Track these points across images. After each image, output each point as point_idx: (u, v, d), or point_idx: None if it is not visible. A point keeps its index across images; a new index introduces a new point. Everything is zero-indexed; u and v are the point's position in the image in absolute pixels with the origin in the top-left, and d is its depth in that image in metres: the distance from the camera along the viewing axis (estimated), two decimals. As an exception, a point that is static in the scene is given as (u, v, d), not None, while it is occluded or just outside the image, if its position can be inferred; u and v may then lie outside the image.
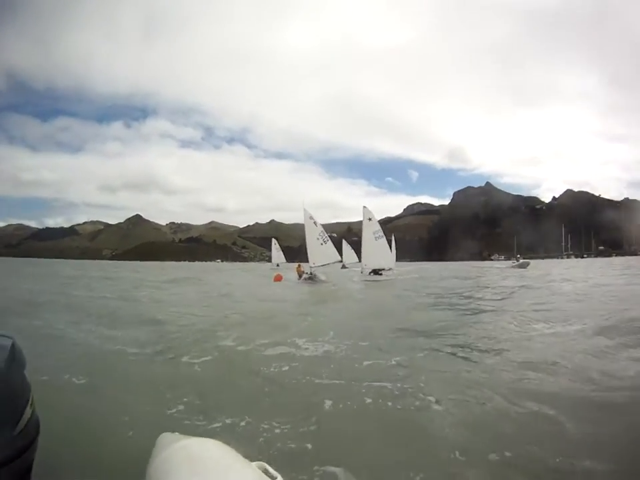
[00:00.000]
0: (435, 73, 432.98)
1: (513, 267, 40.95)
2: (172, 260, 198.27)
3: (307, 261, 24.30)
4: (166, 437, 1.33)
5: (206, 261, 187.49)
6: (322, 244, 23.65)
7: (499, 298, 12.89)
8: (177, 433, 1.36)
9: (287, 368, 4.81)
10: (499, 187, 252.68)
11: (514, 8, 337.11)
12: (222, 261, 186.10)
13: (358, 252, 30.20)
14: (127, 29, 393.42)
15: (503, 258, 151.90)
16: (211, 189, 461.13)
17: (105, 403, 3.66)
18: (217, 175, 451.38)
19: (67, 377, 4.31)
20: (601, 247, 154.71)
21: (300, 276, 23.12)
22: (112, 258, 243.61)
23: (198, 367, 4.93)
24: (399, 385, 4.03)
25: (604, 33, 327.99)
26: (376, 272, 25.22)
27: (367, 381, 4.11)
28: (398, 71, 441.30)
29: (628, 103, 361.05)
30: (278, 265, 47.80)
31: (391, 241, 45.76)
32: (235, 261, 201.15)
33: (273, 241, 53.94)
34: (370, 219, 25.40)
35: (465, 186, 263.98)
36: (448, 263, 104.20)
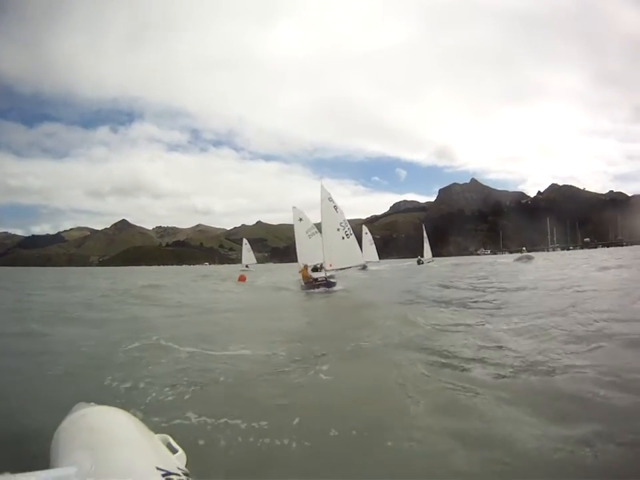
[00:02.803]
0: (421, 73, 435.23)
1: (517, 260, 38.86)
2: (159, 264, 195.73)
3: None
4: (80, 405, 1.38)
5: (193, 265, 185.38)
6: (343, 237, 16.93)
7: None
8: (92, 403, 1.39)
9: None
10: (485, 183, 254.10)
11: (501, 8, 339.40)
12: (209, 264, 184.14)
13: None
14: (113, 33, 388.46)
15: (489, 252, 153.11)
16: (198, 192, 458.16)
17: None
18: (203, 178, 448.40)
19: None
20: (586, 239, 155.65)
21: (307, 282, 17.01)
22: (99, 264, 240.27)
23: None
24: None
25: (591, 30, 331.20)
26: (316, 269, 24.16)
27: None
28: (385, 71, 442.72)
29: (615, 99, 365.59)
30: (247, 267, 45.20)
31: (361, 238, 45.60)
32: (223, 263, 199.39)
33: (244, 240, 51.36)
34: (301, 219, 24.86)
35: (451, 182, 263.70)
36: (434, 258, 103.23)
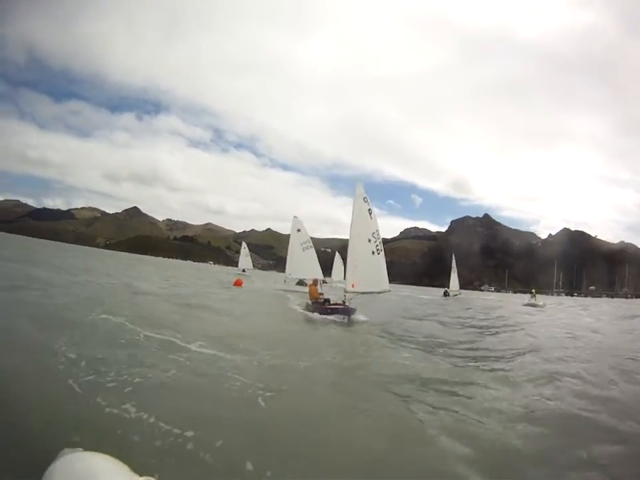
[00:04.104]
0: (446, 105, 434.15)
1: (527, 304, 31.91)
2: (165, 256, 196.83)
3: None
4: (65, 451, 1.46)
5: (198, 262, 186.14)
6: (374, 252, 13.16)
7: None
8: (78, 449, 1.48)
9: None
10: (498, 220, 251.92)
11: (529, 49, 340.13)
12: (214, 264, 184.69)
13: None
14: (149, 22, 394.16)
15: (493, 289, 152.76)
16: (212, 191, 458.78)
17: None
18: (220, 178, 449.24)
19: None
20: (592, 287, 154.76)
21: (316, 302, 13.73)
22: (105, 247, 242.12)
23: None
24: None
25: (618, 78, 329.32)
26: (301, 283, 23.92)
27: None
28: (410, 98, 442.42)
29: (635, 148, 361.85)
30: (244, 271, 44.22)
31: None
32: (228, 265, 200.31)
33: (243, 244, 49.12)
34: (299, 230, 24.61)
35: (464, 215, 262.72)
36: (437, 289, 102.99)
